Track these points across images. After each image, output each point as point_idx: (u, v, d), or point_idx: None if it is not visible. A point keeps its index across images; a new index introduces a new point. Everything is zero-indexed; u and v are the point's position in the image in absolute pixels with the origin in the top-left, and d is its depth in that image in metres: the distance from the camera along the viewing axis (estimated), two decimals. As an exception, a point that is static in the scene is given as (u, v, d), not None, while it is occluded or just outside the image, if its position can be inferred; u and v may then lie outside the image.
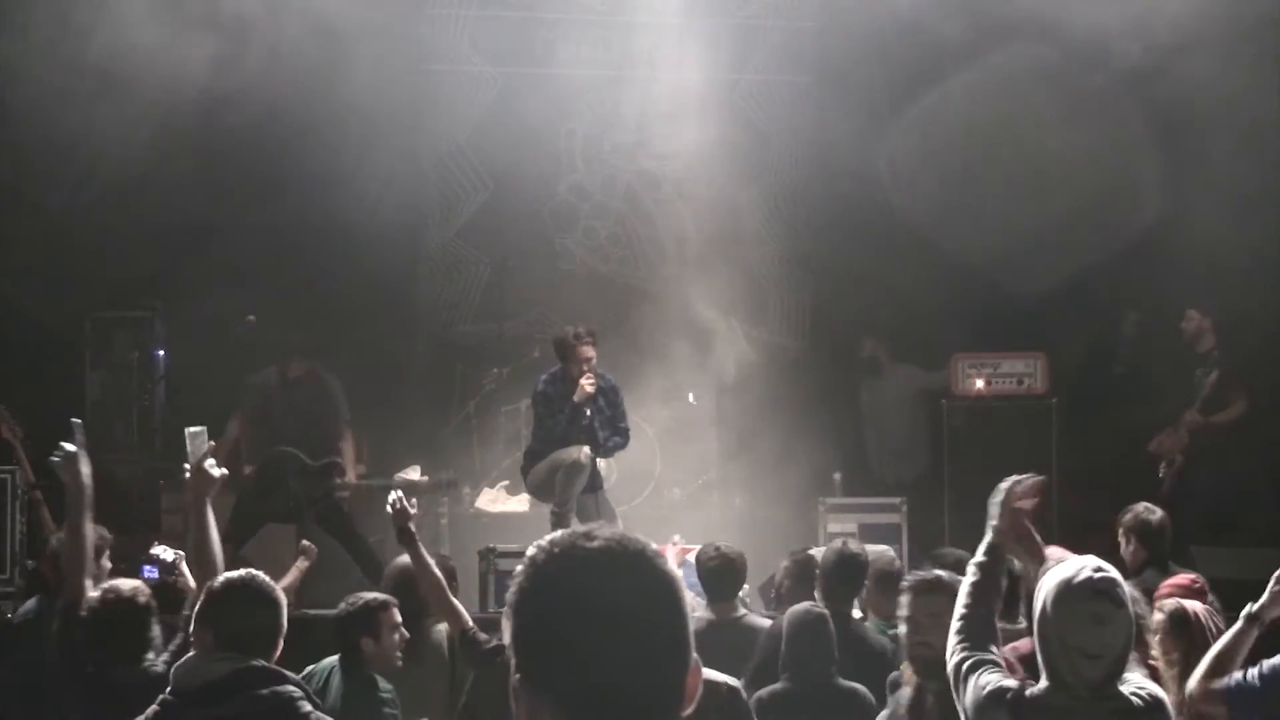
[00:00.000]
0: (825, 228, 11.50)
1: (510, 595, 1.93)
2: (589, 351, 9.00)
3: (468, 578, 8.83)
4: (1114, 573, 3.64)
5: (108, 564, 6.72)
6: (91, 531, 5.29)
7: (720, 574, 6.57)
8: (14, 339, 9.83)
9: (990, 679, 3.73)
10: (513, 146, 11.03)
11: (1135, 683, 3.68)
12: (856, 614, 6.67)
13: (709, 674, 4.98)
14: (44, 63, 9.25)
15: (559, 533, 1.96)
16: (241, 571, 4.42)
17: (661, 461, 10.59)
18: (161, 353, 10.44)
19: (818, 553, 7.14)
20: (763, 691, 5.66)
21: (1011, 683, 3.69)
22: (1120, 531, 7.04)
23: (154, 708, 4.20)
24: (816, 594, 6.54)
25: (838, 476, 10.55)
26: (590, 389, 8.91)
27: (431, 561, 5.99)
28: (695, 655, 1.94)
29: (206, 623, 4.29)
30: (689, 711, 1.93)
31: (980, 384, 10.72)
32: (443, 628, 6.15)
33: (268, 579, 4.40)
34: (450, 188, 11.33)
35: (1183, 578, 5.84)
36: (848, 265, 11.33)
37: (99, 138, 9.55)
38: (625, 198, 11.58)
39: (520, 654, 1.92)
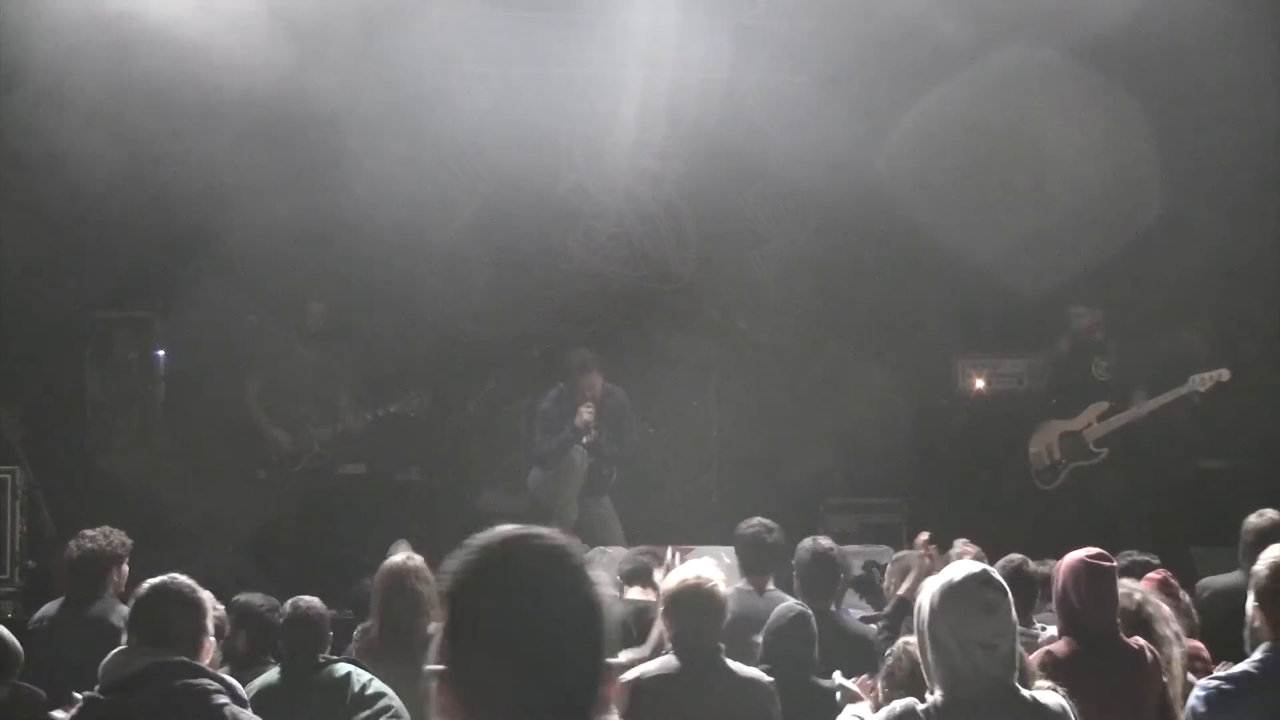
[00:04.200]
0: (825, 228, 11.50)
1: (447, 584, 1.99)
2: (589, 380, 9.20)
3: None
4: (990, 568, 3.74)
5: (126, 569, 6.73)
6: None
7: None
8: (14, 339, 9.83)
9: (896, 703, 3.75)
10: (513, 146, 11.02)
11: (1037, 688, 3.73)
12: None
13: (747, 670, 5.09)
14: (44, 63, 9.25)
15: (505, 527, 2.02)
16: (165, 576, 4.53)
17: (662, 462, 10.60)
18: (161, 353, 10.45)
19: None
20: None
21: (911, 700, 3.68)
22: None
23: (80, 703, 4.35)
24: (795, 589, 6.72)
25: (838, 476, 10.57)
26: (588, 416, 9.13)
27: None
28: (615, 661, 2.02)
29: (132, 626, 4.46)
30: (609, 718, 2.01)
31: (980, 384, 10.74)
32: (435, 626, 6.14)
33: (189, 582, 4.51)
34: (450, 188, 11.32)
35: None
36: (848, 265, 11.33)
37: (99, 138, 9.55)
38: (625, 198, 11.57)
39: (447, 643, 1.98)
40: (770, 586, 6.79)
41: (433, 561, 6.16)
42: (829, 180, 11.05)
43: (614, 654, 2.03)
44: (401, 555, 6.33)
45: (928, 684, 3.66)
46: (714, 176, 11.47)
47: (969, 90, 10.35)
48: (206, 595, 4.54)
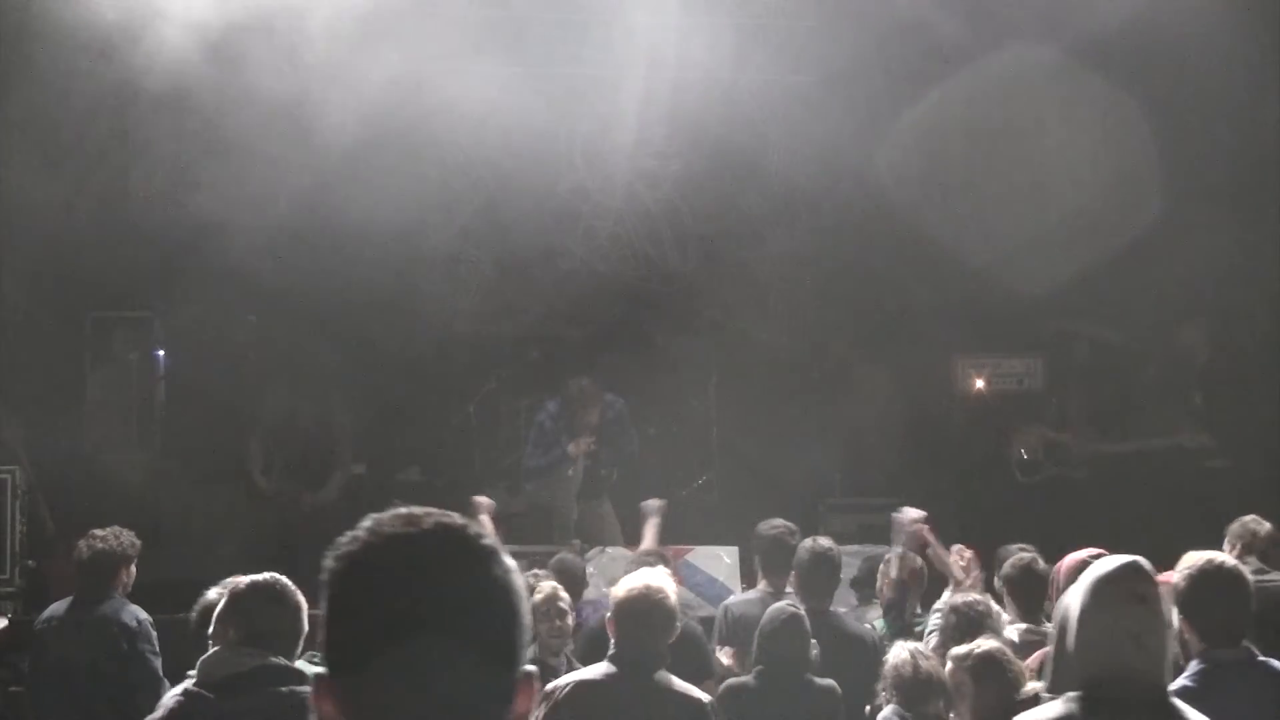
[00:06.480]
0: (825, 228, 11.50)
1: (329, 572, 1.71)
2: (587, 413, 9.21)
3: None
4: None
5: (134, 569, 6.73)
6: None
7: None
8: (14, 339, 9.83)
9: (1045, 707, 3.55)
10: (513, 146, 11.02)
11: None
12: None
13: (682, 685, 4.98)
14: (45, 64, 9.25)
15: (383, 514, 1.73)
16: (267, 574, 4.49)
17: (661, 462, 10.59)
18: (161, 353, 10.45)
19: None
20: (733, 681, 5.89)
21: (1056, 703, 3.47)
22: (1227, 540, 6.86)
23: (178, 696, 4.31)
24: (792, 590, 6.74)
25: (838, 476, 10.57)
26: (584, 449, 9.17)
27: None
28: (532, 669, 1.73)
29: (229, 621, 4.39)
30: None
31: (980, 384, 10.74)
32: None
33: (288, 582, 4.48)
34: (450, 188, 11.32)
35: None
36: (848, 265, 11.33)
37: (99, 138, 9.56)
38: (625, 198, 11.57)
39: (330, 642, 1.69)
40: (789, 589, 6.78)
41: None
42: (829, 180, 11.06)
43: (528, 658, 1.73)
44: None
45: (1051, 683, 3.47)
46: (714, 176, 11.46)
47: (969, 90, 10.36)
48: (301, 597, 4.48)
